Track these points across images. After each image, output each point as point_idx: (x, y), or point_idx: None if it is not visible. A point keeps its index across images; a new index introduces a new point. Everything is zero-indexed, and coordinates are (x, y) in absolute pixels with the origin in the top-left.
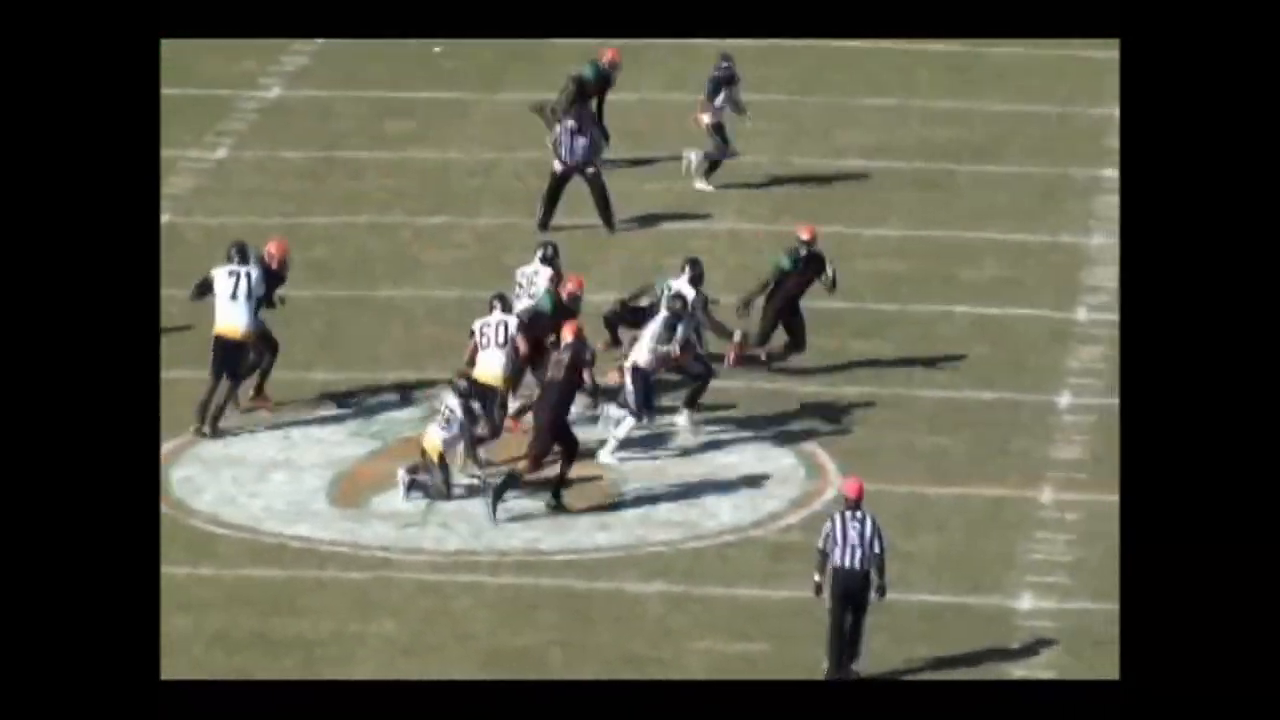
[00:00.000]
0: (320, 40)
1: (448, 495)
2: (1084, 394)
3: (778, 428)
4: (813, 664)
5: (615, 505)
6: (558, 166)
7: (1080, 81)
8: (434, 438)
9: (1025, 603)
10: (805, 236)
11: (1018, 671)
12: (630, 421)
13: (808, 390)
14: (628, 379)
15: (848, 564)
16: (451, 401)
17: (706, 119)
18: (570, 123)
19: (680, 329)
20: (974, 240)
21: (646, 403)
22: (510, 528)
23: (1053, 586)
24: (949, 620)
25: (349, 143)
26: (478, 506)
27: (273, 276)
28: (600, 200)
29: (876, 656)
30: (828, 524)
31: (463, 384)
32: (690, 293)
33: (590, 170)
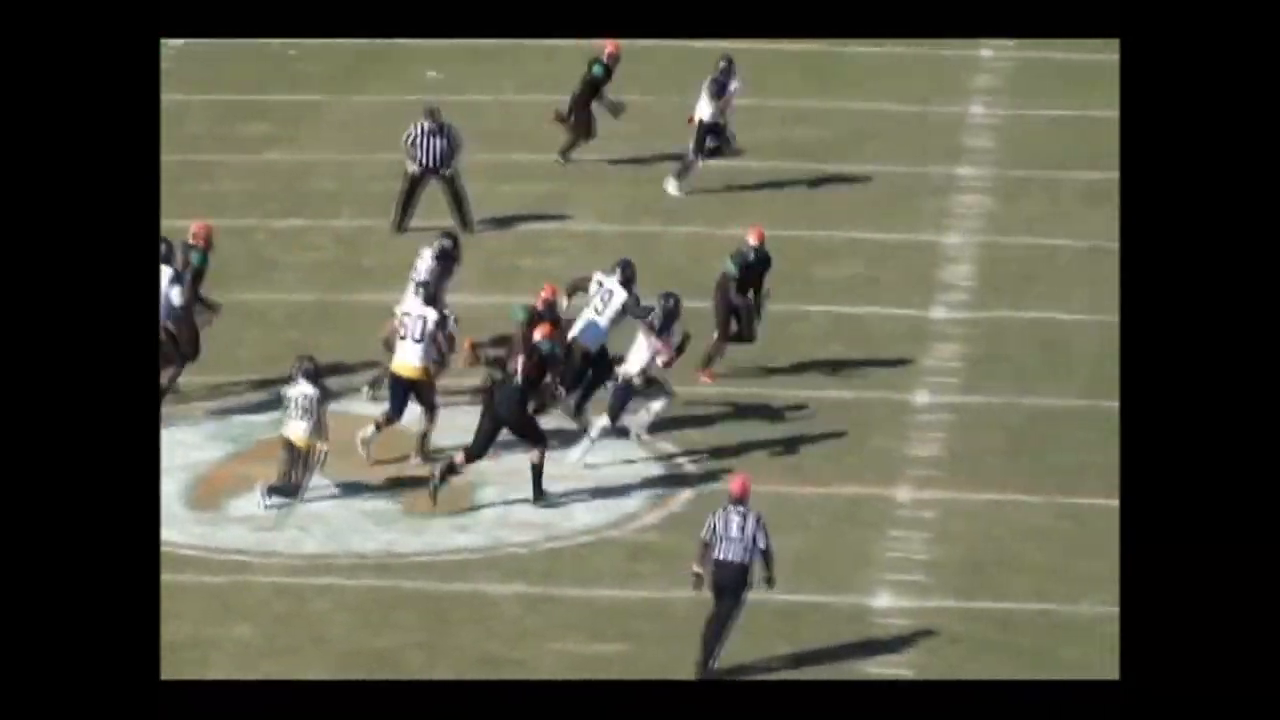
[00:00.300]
0: (179, 41)
1: (299, 494)
2: (941, 392)
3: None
4: (670, 664)
5: (473, 507)
6: (413, 168)
7: (937, 80)
8: (297, 430)
9: (883, 601)
10: (754, 241)
11: (875, 670)
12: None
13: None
14: (637, 381)
15: (725, 557)
16: (303, 388)
17: (704, 118)
18: (427, 124)
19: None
20: (831, 239)
21: (615, 412)
22: (368, 530)
23: (910, 585)
24: (807, 619)
25: (203, 145)
26: (334, 509)
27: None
28: (458, 202)
29: (735, 655)
30: (710, 517)
31: (308, 365)
32: (622, 294)
33: (447, 172)
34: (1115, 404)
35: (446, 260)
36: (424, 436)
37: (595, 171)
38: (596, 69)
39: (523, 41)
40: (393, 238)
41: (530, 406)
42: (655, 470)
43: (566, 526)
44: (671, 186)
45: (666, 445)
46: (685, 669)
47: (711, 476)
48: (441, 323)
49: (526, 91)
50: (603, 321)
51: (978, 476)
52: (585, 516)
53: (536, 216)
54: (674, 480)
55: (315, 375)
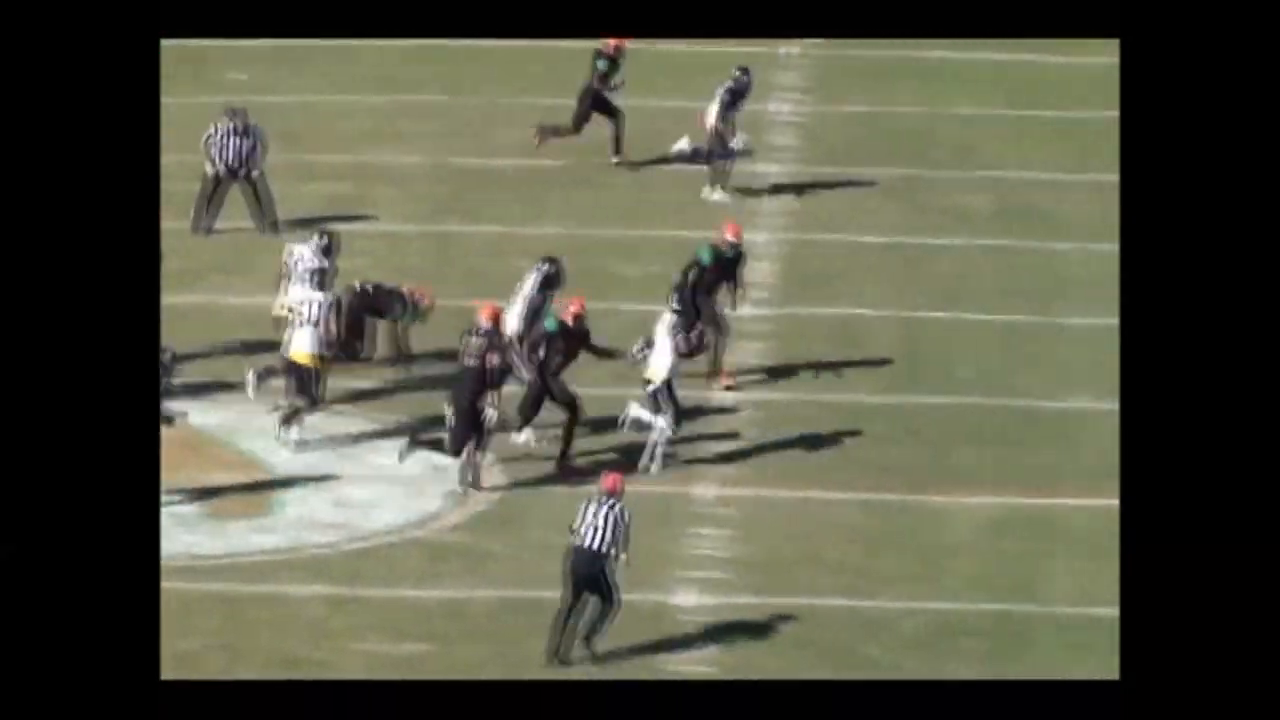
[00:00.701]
0: None
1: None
2: (744, 389)
3: (439, 429)
4: (475, 664)
5: (275, 508)
6: (211, 170)
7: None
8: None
9: (686, 599)
10: (731, 237)
11: (678, 667)
12: (667, 432)
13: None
14: (661, 396)
15: (584, 544)
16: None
17: (712, 122)
18: (228, 124)
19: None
20: (631, 237)
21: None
22: (171, 532)
23: (713, 582)
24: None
25: None
26: None
27: None
28: (263, 203)
29: (538, 654)
30: (581, 505)
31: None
32: (530, 293)
33: (249, 173)
34: (918, 399)
35: (329, 256)
36: (290, 414)
37: (398, 171)
38: (600, 63)
39: (324, 42)
40: (194, 239)
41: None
42: (458, 470)
43: (368, 527)
44: (715, 194)
45: (468, 446)
46: (490, 669)
47: (513, 477)
48: (335, 306)
49: (325, 93)
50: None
51: (781, 473)
52: (387, 516)
53: (339, 217)
54: (474, 479)
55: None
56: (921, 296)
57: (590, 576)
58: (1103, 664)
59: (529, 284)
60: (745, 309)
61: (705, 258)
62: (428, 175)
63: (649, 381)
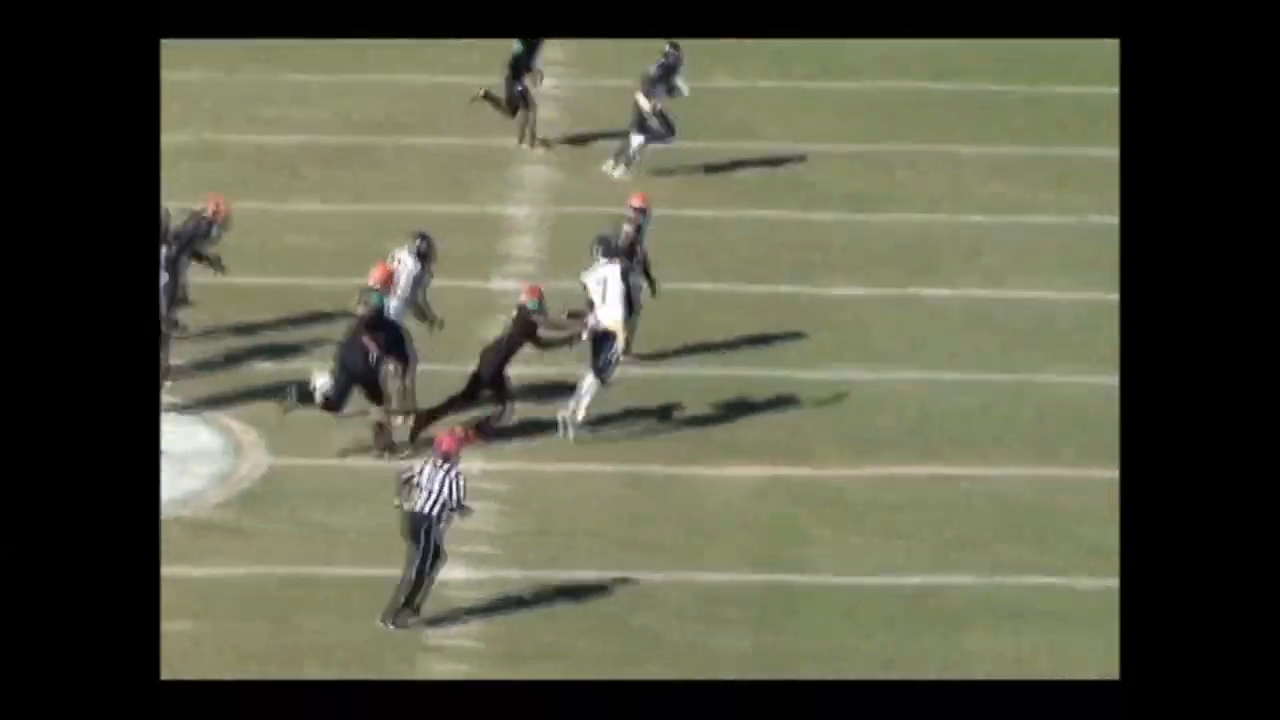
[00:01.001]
0: None
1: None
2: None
3: (207, 405)
4: (244, 640)
5: None
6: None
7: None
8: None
9: (454, 573)
10: (639, 204)
11: (444, 642)
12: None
13: (244, 368)
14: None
15: (415, 507)
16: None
17: (646, 104)
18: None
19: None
20: (394, 214)
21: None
22: None
23: (480, 556)
24: (384, 591)
25: None
26: None
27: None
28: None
29: (310, 630)
30: (415, 464)
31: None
32: (414, 266)
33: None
34: (679, 371)
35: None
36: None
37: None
38: (517, 46)
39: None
40: None
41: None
42: (221, 446)
43: None
44: (618, 170)
45: (231, 422)
46: (255, 643)
47: (280, 452)
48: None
49: None
50: (395, 302)
51: (545, 448)
52: None
53: None
54: (238, 456)
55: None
56: (681, 267)
57: (420, 533)
58: (862, 631)
59: (407, 259)
60: (500, 283)
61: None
62: (197, 153)
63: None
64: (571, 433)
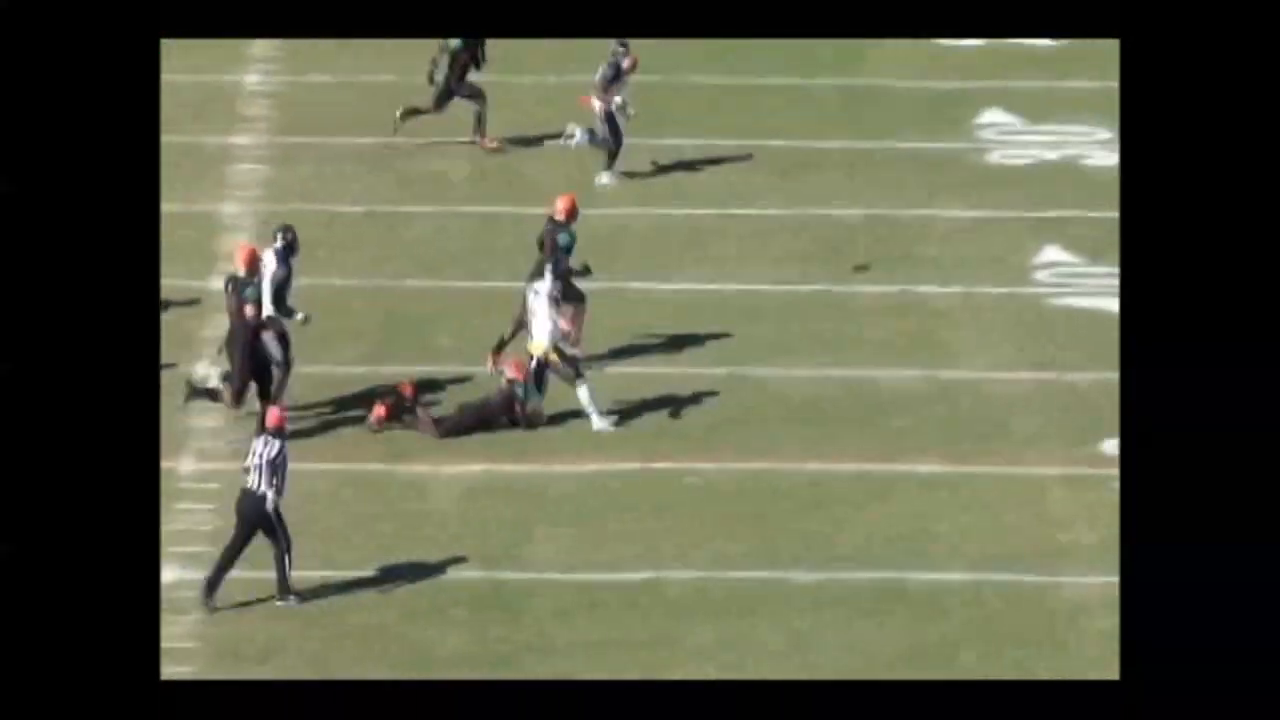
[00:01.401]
0: None
1: None
2: (221, 363)
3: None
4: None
5: None
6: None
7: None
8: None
9: (169, 574)
10: (564, 207)
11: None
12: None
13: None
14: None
15: (248, 485)
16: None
17: (599, 105)
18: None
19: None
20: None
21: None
22: None
23: (196, 556)
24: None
25: None
26: None
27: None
28: None
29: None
30: (252, 442)
31: None
32: (273, 264)
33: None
34: (395, 369)
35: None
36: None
37: None
38: (453, 42)
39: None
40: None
41: None
42: None
43: None
44: (606, 178)
45: None
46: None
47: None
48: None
49: None
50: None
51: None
52: None
53: None
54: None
55: None
56: (398, 264)
57: (257, 517)
58: (586, 630)
59: (270, 257)
60: (220, 281)
61: (567, 241)
62: None
63: (531, 356)
64: (608, 424)
